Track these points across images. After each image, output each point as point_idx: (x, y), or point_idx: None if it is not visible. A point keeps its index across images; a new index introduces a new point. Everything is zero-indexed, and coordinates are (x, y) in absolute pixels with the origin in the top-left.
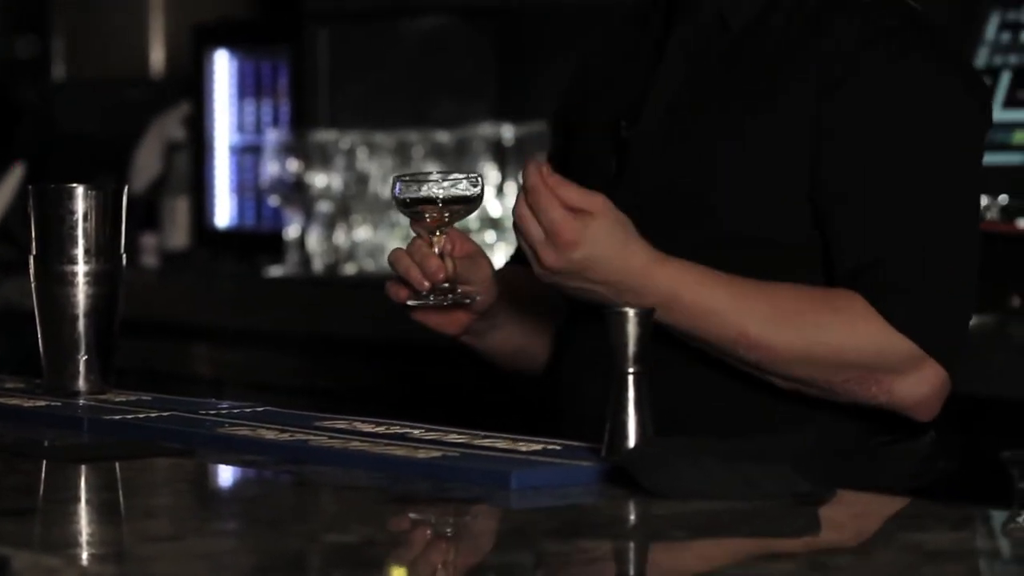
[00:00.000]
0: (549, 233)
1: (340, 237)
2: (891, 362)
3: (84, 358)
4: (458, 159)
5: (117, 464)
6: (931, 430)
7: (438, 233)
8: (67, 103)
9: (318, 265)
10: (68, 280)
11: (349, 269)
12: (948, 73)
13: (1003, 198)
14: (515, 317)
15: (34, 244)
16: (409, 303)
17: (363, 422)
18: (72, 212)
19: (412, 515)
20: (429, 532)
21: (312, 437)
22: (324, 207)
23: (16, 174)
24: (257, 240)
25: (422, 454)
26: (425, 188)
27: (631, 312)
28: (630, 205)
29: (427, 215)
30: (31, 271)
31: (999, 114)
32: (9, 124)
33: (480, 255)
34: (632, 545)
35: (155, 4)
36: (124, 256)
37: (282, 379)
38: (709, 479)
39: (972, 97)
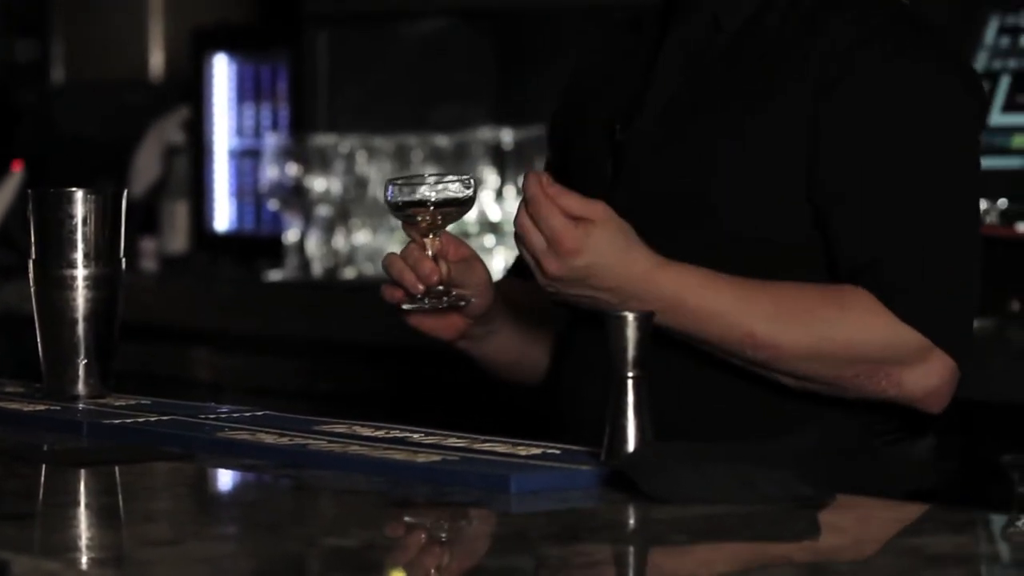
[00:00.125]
0: (551, 242)
1: (339, 241)
2: (899, 354)
3: (84, 362)
4: (457, 163)
5: (116, 468)
6: (931, 432)
7: (431, 236)
8: (67, 107)
9: (317, 269)
10: (67, 284)
11: (348, 273)
12: (946, 72)
13: (1002, 202)
14: (512, 325)
15: (33, 248)
16: (404, 307)
17: (362, 426)
18: (71, 216)
19: (411, 519)
20: (428, 536)
21: (311, 441)
22: (323, 211)
23: (15, 178)
24: (256, 244)
25: (421, 458)
26: (417, 191)
27: (630, 316)
28: (628, 207)
29: (420, 218)
30: (30, 275)
31: (999, 118)
32: (8, 127)
33: (475, 259)
34: (632, 549)
35: (155, 8)
36: (123, 260)
37: (281, 383)
38: (709, 483)
39: (971, 96)
